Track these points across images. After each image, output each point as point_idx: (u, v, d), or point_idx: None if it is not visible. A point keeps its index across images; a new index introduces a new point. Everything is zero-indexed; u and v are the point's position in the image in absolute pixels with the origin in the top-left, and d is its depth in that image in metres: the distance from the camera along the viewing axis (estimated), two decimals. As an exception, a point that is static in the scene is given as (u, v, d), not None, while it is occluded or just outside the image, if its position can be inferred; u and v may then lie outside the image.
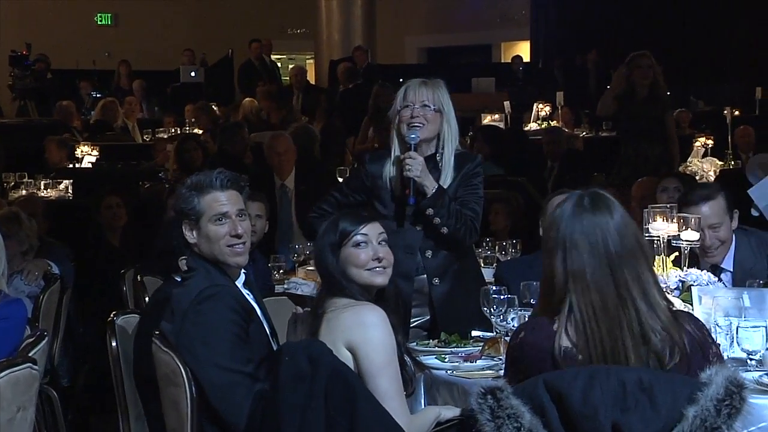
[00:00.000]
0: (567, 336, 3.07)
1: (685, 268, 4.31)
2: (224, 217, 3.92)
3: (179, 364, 3.69)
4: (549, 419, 2.89)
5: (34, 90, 15.15)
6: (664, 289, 4.04)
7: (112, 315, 4.22)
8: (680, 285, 4.22)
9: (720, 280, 4.50)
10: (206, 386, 3.69)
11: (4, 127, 13.47)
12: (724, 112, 12.04)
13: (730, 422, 2.86)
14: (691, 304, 4.03)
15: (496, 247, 6.27)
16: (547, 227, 3.18)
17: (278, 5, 20.50)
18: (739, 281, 4.58)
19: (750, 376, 3.52)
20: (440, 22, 21.19)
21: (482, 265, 5.68)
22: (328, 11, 18.03)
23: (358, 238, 3.85)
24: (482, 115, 13.17)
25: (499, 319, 4.18)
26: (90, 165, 11.16)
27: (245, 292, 3.96)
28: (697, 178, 9.34)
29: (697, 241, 4.41)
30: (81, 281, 6.76)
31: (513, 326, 4.02)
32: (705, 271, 4.36)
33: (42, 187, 9.99)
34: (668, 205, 4.49)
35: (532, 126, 13.25)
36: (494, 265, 5.89)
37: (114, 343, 4.12)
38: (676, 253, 4.35)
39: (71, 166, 11.04)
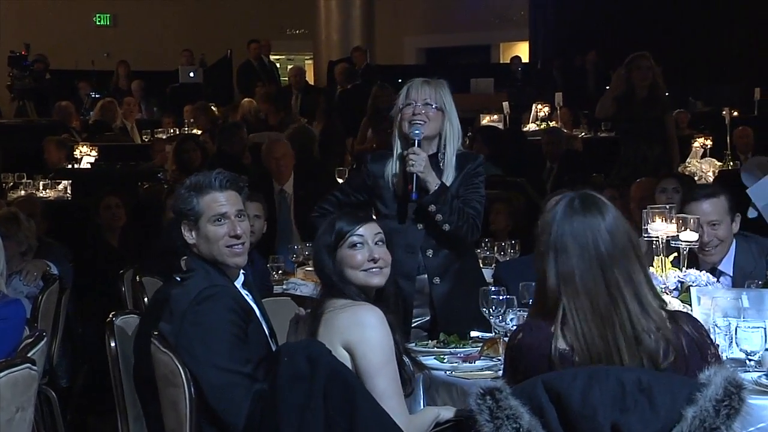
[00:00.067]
0: (563, 338, 3.07)
1: (684, 269, 4.31)
2: (223, 218, 3.92)
3: (178, 364, 3.68)
4: (548, 420, 2.89)
5: (33, 90, 15.10)
6: (664, 290, 4.06)
7: (110, 315, 4.20)
8: (679, 286, 4.22)
9: (719, 283, 4.50)
10: (205, 387, 3.69)
11: (2, 127, 13.46)
12: (723, 113, 12.02)
13: (729, 423, 2.86)
14: (690, 305, 4.03)
15: (495, 248, 6.27)
16: (540, 231, 3.18)
17: (277, 6, 20.48)
18: (738, 285, 4.57)
19: (749, 376, 3.52)
20: (439, 22, 21.17)
21: (481, 265, 5.68)
22: (327, 12, 18.02)
23: (354, 239, 3.85)
24: (481, 115, 13.18)
25: (497, 320, 4.17)
26: (89, 165, 11.14)
27: (244, 292, 3.96)
28: (696, 178, 9.33)
29: (696, 241, 4.41)
30: (80, 282, 6.76)
31: (512, 327, 4.01)
32: (704, 272, 4.36)
33: (41, 188, 9.98)
34: (667, 206, 4.49)
35: (531, 126, 13.26)
36: (493, 265, 5.89)
37: (113, 344, 4.12)
38: (675, 254, 4.35)
39: (70, 166, 11.02)
